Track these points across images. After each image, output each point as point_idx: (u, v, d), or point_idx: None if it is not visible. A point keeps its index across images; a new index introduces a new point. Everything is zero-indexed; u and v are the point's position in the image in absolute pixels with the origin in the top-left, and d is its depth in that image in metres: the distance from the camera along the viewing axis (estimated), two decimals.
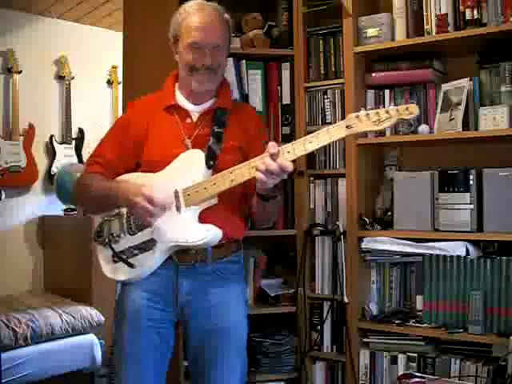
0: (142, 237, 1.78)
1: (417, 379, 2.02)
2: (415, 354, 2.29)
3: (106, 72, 4.60)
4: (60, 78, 4.30)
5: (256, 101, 2.60)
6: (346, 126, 1.60)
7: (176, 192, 1.73)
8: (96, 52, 4.43)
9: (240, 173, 1.66)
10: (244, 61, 2.59)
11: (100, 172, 1.87)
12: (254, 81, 2.61)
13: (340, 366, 2.52)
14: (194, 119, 1.86)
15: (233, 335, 1.82)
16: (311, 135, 1.63)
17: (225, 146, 1.81)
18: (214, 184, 1.70)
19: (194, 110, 1.87)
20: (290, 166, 1.59)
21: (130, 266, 1.77)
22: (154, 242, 1.76)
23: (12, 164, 3.95)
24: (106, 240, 1.82)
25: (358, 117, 1.60)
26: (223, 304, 1.82)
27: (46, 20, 4.25)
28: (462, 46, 2.29)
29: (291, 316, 2.59)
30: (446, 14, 2.23)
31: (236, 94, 2.55)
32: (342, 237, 2.47)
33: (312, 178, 2.60)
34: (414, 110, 1.58)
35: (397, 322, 2.32)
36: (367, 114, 1.59)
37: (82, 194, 1.96)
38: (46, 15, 4.21)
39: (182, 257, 1.78)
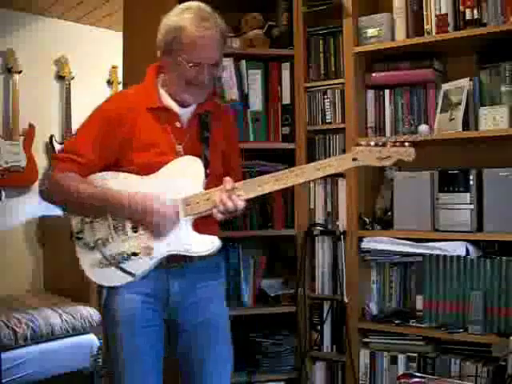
0: (135, 242, 1.73)
1: (417, 379, 2.02)
2: (415, 354, 2.29)
3: (106, 72, 4.59)
4: (60, 77, 4.29)
5: (256, 101, 2.60)
6: (353, 159, 1.71)
7: (174, 201, 1.70)
8: (96, 52, 4.42)
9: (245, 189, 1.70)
10: (244, 61, 2.59)
11: (76, 171, 1.74)
12: (254, 81, 2.61)
13: (340, 366, 2.52)
14: (184, 124, 1.80)
15: (221, 327, 1.85)
16: (318, 162, 1.71)
17: (212, 151, 1.79)
18: (208, 199, 1.70)
19: (183, 114, 1.80)
20: (240, 207, 1.66)
21: (125, 272, 1.73)
22: (150, 248, 1.73)
23: (12, 164, 3.94)
24: (92, 244, 1.76)
25: (362, 152, 1.70)
26: (207, 299, 1.83)
27: (45, 20, 4.24)
28: (461, 45, 2.29)
29: (291, 316, 2.59)
30: (446, 14, 2.24)
31: (236, 94, 2.56)
32: (342, 237, 2.47)
33: None
34: (411, 154, 1.72)
35: (397, 321, 2.32)
36: (370, 150, 1.70)
37: (61, 195, 1.78)
38: (46, 15, 4.21)
39: (173, 259, 1.76)
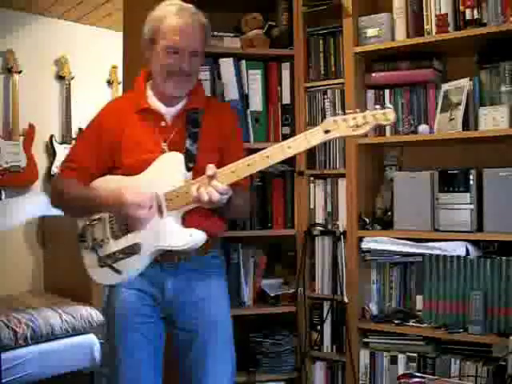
0: (126, 241, 1.77)
1: (417, 379, 2.02)
2: (415, 354, 2.29)
3: (106, 72, 4.60)
4: (60, 77, 4.30)
5: (256, 101, 2.60)
6: (325, 131, 1.60)
7: (157, 196, 1.73)
8: (96, 52, 4.43)
9: (220, 177, 1.66)
10: (244, 61, 2.59)
11: (75, 177, 1.85)
12: (254, 81, 2.61)
13: (340, 365, 2.52)
14: (169, 122, 1.85)
15: (220, 327, 1.85)
16: (289, 140, 1.64)
17: (201, 146, 1.80)
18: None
19: (167, 113, 1.85)
20: (215, 196, 1.62)
21: (117, 272, 1.78)
22: (139, 245, 1.76)
23: (12, 164, 3.94)
24: (90, 245, 1.82)
25: (335, 121, 1.60)
26: (207, 299, 1.84)
27: (45, 20, 4.25)
28: (461, 45, 2.29)
29: (291, 316, 2.59)
30: (446, 14, 2.23)
31: (236, 94, 2.56)
32: (342, 237, 2.47)
33: (312, 178, 2.60)
34: (390, 115, 1.58)
35: (397, 321, 2.32)
36: (344, 119, 1.59)
37: (58, 200, 1.93)
38: (46, 15, 4.21)
39: (166, 256, 1.79)
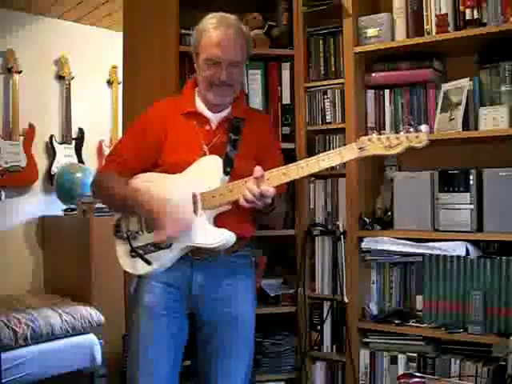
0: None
1: (417, 379, 2.02)
2: (415, 354, 2.29)
3: (106, 72, 4.60)
4: (60, 77, 4.30)
5: (256, 101, 2.60)
6: (359, 148, 1.70)
7: (194, 196, 1.80)
8: (96, 52, 4.43)
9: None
10: None
11: (117, 171, 1.93)
12: (254, 81, 2.61)
13: (340, 366, 2.52)
14: (213, 127, 1.95)
15: (240, 326, 1.93)
16: (323, 154, 1.74)
17: (240, 154, 1.88)
18: (231, 191, 1.79)
19: (213, 118, 1.95)
20: (270, 193, 1.70)
21: (147, 262, 1.84)
22: (170, 241, 1.81)
23: (12, 164, 3.95)
24: (125, 235, 1.88)
25: (370, 140, 1.70)
26: (233, 296, 1.92)
27: (45, 20, 4.25)
28: (461, 46, 2.29)
29: (291, 316, 2.59)
30: (446, 14, 2.23)
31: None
32: (341, 237, 2.47)
33: (312, 178, 2.60)
34: (423, 138, 1.67)
35: (397, 321, 2.32)
36: (379, 138, 1.69)
37: (99, 191, 2.02)
38: (46, 15, 4.21)
39: (197, 252, 1.86)
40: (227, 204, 1.81)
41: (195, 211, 1.80)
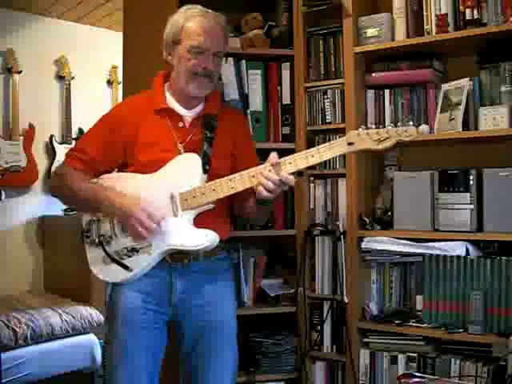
0: (136, 238, 1.76)
1: (417, 379, 2.02)
2: (415, 354, 2.29)
3: (106, 72, 4.60)
4: (60, 77, 4.30)
5: (256, 101, 2.60)
6: (348, 143, 1.65)
7: (172, 196, 1.74)
8: (96, 52, 4.43)
9: (241, 181, 1.70)
10: (244, 61, 2.59)
11: (81, 169, 1.84)
12: (254, 81, 2.61)
13: (340, 366, 2.52)
14: (187, 124, 1.86)
15: (226, 332, 1.85)
16: (313, 149, 1.68)
17: (216, 151, 1.82)
18: (214, 190, 1.72)
19: (187, 115, 1.87)
20: (291, 180, 1.64)
21: (126, 268, 1.76)
22: (149, 244, 1.75)
23: (12, 164, 3.95)
24: (97, 241, 1.79)
25: (359, 134, 1.64)
26: (214, 301, 1.84)
27: (46, 20, 4.25)
28: (461, 45, 2.29)
29: (291, 316, 2.59)
30: (446, 14, 2.23)
31: (236, 94, 2.55)
32: (341, 237, 2.47)
33: (312, 178, 2.60)
34: (412, 132, 1.61)
35: (397, 321, 2.32)
36: (367, 133, 1.63)
37: (60, 188, 1.90)
38: (46, 15, 4.22)
39: (176, 257, 1.78)
40: (208, 204, 1.74)
41: (174, 212, 1.73)
